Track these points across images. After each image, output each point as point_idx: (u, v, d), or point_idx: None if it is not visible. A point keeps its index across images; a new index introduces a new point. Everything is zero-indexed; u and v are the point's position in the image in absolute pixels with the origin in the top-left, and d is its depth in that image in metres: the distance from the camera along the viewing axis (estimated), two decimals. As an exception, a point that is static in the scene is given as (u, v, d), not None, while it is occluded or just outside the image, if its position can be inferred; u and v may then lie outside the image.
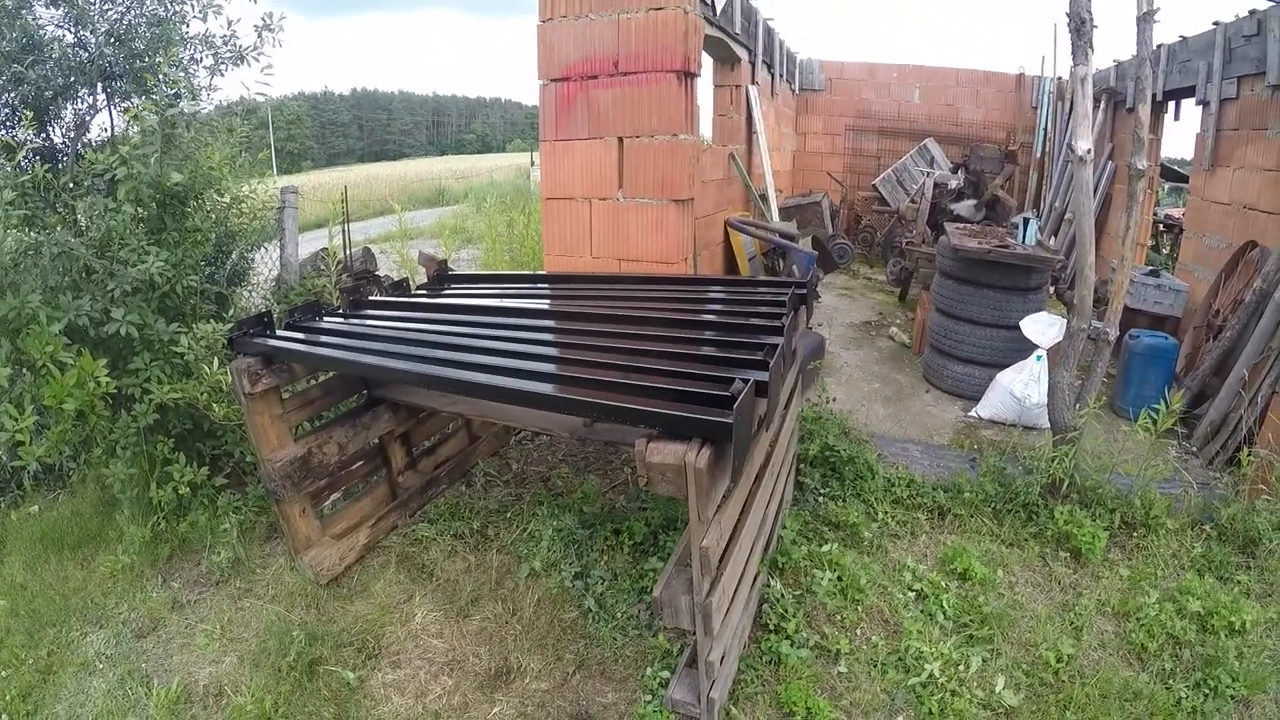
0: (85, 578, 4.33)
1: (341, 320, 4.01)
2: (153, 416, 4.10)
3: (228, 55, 5.25)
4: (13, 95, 4.88)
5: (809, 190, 12.23)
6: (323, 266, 5.91)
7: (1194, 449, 5.30)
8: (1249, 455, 4.48)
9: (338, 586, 4.02)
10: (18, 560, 4.57)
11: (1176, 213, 12.28)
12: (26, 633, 4.00)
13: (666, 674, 3.21)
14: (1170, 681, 3.29)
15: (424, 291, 4.66)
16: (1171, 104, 8.73)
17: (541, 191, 6.07)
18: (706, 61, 7.91)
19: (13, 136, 4.79)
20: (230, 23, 5.23)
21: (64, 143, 5.23)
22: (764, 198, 8.93)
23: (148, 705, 3.41)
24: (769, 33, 10.06)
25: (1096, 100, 9.82)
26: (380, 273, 6.85)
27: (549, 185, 5.92)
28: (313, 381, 4.20)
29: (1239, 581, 3.87)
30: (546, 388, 2.86)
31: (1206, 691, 3.22)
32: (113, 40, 5.02)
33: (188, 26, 5.31)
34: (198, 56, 5.25)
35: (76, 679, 3.67)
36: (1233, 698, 3.21)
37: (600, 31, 5.38)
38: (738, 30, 8.12)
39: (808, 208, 10.42)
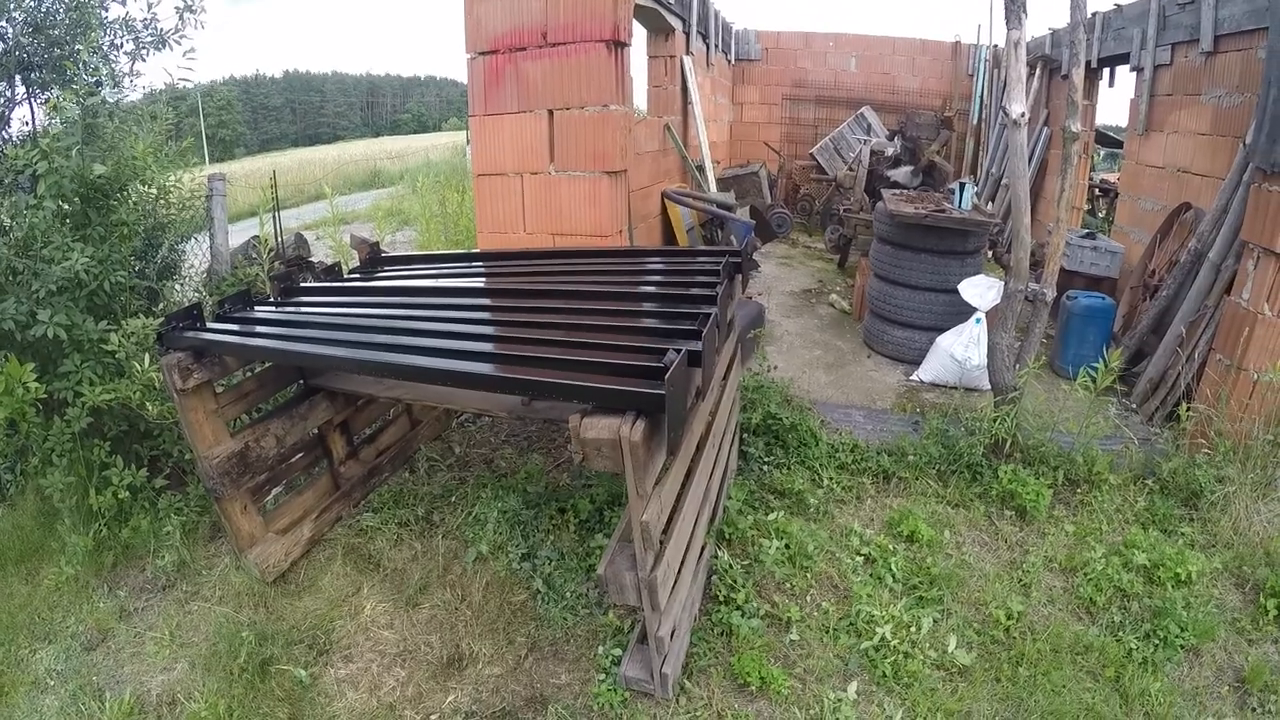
0: (30, 593, 4.21)
1: (274, 309, 3.93)
2: (87, 420, 3.97)
3: (149, 40, 5.10)
4: (-71, 90, 4.69)
5: (747, 160, 12.23)
6: (255, 255, 5.79)
7: (1133, 406, 5.41)
8: (1188, 410, 4.56)
9: (285, 583, 3.96)
10: (-40, 580, 4.42)
11: (1112, 178, 12.51)
12: (-26, 653, 3.89)
13: (619, 651, 3.21)
14: (1120, 633, 3.36)
15: (357, 275, 4.58)
16: (1106, 71, 8.86)
17: (472, 168, 6.01)
18: (639, 32, 7.85)
19: None
20: (150, 5, 5.08)
21: (-16, 139, 5.04)
22: (701, 169, 8.93)
23: (102, 719, 3.33)
24: (703, 2, 10.03)
25: (1031, 68, 9.94)
26: (315, 259, 6.73)
27: (480, 161, 5.85)
28: (247, 373, 4.10)
29: (1183, 534, 3.96)
30: (483, 367, 2.83)
31: (1156, 642, 3.29)
32: (30, 29, 4.84)
33: (107, 11, 5.13)
34: (118, 42, 5.09)
35: (28, 698, 3.57)
36: (1182, 647, 3.29)
37: (528, 2, 5.31)
38: (671, 0, 8.07)
39: (745, 178, 10.44)
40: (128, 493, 4.10)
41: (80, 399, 3.95)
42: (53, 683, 3.61)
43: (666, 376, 2.25)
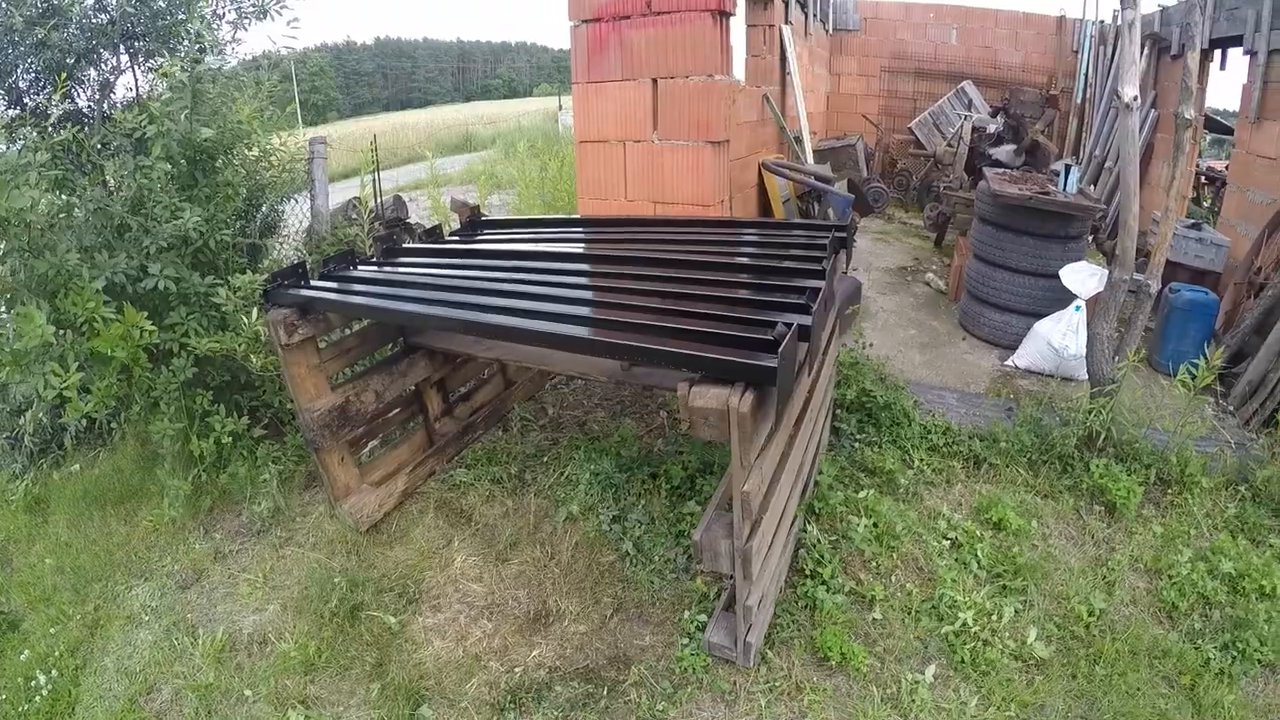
0: (128, 533, 4.42)
1: (376, 269, 4.01)
2: (191, 370, 4.12)
3: (250, 9, 5.22)
4: (36, 61, 4.86)
5: (844, 133, 11.94)
6: (354, 215, 5.92)
7: (1231, 408, 5.18)
8: (1287, 417, 4.36)
9: (377, 533, 4.08)
10: (62, 519, 4.68)
11: (1219, 165, 11.95)
12: (73, 589, 4.11)
13: (704, 617, 3.24)
14: (1199, 642, 3.26)
15: (457, 238, 4.64)
16: (1218, 53, 8.43)
17: (575, 134, 6.02)
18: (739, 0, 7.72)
19: (41, 101, 4.75)
20: None
21: (89, 106, 5.23)
22: (798, 140, 8.72)
23: (194, 654, 3.50)
24: (802, -29, 9.82)
25: (1141, 46, 9.52)
26: (412, 220, 6.84)
27: (582, 128, 5.86)
28: (349, 330, 4.21)
29: (1272, 545, 3.79)
30: (585, 331, 2.86)
31: (1235, 654, 3.20)
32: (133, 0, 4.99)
33: None
34: (220, 11, 5.22)
35: (123, 631, 3.77)
36: (1260, 662, 3.18)
37: (631, -32, 5.26)
38: (770, -32, 7.93)
39: (842, 150, 10.16)
40: (229, 439, 4.23)
41: (186, 348, 4.09)
42: (148, 618, 3.80)
43: (779, 350, 2.25)
